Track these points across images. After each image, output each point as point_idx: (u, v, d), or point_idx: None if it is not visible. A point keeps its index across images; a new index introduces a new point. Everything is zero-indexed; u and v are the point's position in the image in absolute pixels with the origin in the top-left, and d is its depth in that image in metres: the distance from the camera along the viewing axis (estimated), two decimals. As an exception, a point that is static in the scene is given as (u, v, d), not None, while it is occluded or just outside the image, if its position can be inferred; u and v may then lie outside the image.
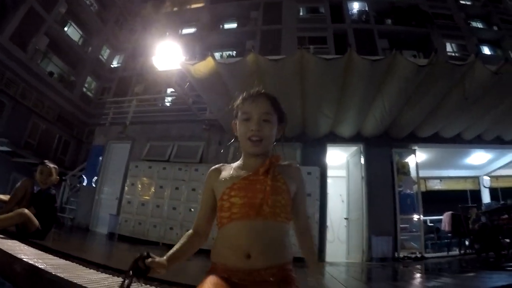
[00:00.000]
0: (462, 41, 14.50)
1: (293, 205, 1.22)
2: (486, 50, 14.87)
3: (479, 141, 7.55)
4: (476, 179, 10.15)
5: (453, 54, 13.91)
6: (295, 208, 1.24)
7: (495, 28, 15.39)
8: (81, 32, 15.47)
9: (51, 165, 3.67)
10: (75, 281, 1.65)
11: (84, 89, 15.59)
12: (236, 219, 1.11)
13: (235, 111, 1.30)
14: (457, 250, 7.42)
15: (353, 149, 7.70)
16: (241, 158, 1.29)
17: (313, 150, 7.23)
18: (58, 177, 3.77)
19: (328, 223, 7.13)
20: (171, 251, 1.14)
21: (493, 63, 5.70)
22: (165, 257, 1.08)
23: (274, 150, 1.30)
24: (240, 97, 1.30)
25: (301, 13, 15.29)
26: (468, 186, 10.44)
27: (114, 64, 17.24)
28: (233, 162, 1.31)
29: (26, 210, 3.23)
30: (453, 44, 14.61)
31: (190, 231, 1.26)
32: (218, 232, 1.18)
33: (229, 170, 1.26)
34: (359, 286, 3.37)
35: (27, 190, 3.48)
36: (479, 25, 15.82)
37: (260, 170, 1.18)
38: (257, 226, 1.08)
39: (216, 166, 1.31)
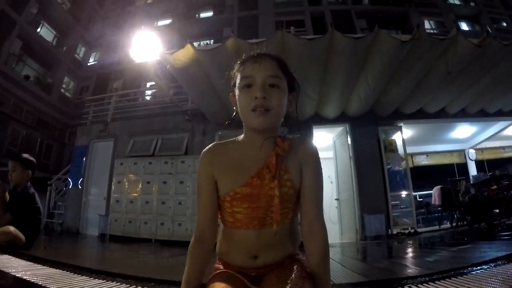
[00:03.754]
0: (440, 18, 14.65)
1: (299, 194, 1.01)
2: (464, 26, 15.02)
3: (463, 115, 7.62)
4: (462, 152, 10.32)
5: (431, 31, 13.96)
6: (300, 200, 1.01)
7: (472, 4, 15.55)
8: (54, 32, 15.10)
9: (23, 157, 3.34)
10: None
11: (62, 90, 15.28)
12: (240, 227, 0.99)
13: (233, 80, 1.06)
14: (448, 223, 7.52)
15: (339, 129, 7.65)
16: (243, 134, 1.06)
17: (299, 133, 7.05)
18: (30, 171, 3.35)
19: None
20: None
21: (472, 39, 5.72)
22: None
23: (284, 130, 1.08)
24: (238, 62, 1.06)
25: (277, -3, 15.06)
26: (454, 159, 10.61)
27: (91, 62, 16.88)
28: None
29: (12, 228, 2.99)
30: (431, 21, 14.76)
31: (193, 242, 1.00)
32: (222, 229, 1.06)
33: (228, 152, 1.03)
34: (358, 264, 3.32)
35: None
36: (456, 2, 15.98)
37: (264, 173, 0.96)
38: (263, 234, 0.98)
39: (210, 147, 1.06)
